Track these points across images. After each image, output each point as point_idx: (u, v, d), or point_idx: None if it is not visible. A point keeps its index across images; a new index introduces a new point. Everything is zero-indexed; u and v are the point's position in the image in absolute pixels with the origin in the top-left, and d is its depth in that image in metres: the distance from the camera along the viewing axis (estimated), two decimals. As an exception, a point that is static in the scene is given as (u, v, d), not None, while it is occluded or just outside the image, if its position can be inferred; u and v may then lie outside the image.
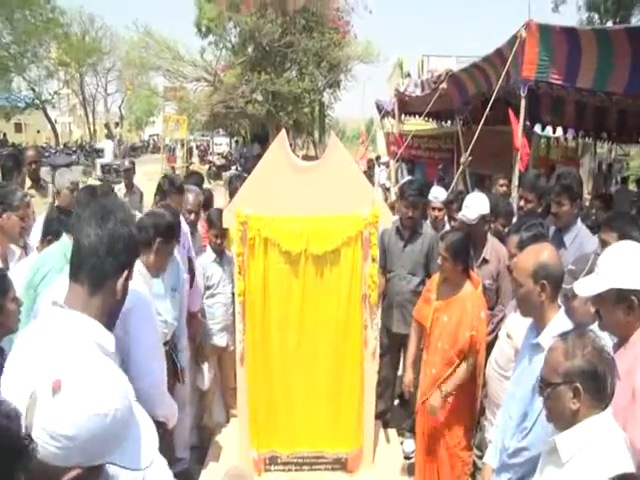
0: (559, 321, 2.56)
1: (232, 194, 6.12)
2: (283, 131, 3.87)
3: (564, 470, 1.92)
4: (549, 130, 10.97)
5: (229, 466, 3.85)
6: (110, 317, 1.88)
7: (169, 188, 4.57)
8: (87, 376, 1.35)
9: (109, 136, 28.92)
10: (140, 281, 2.68)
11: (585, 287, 2.33)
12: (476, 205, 4.40)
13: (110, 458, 1.35)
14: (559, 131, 10.74)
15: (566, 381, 1.95)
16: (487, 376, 3.41)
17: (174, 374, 3.58)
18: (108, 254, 1.82)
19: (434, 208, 5.55)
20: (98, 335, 1.76)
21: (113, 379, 1.39)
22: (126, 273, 1.89)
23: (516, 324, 3.13)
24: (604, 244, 3.42)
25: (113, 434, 1.33)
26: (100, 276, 1.82)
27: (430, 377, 3.72)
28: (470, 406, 3.62)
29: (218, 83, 23.30)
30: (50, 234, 3.54)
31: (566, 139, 11.88)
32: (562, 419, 2.01)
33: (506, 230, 4.38)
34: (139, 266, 3.12)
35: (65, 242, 3.21)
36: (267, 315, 3.68)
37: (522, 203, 4.54)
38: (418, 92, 9.93)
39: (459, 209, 4.68)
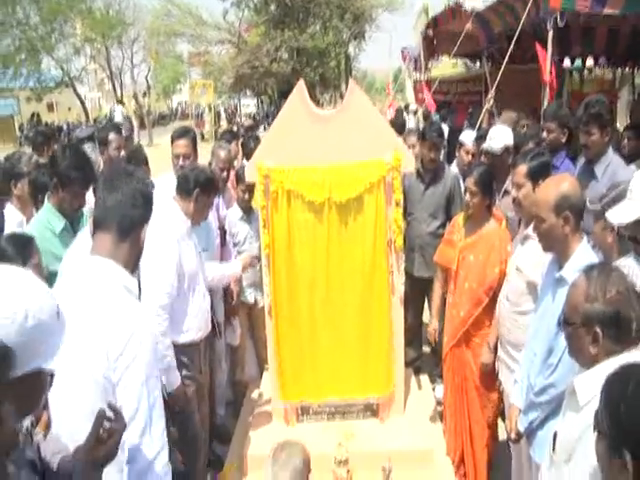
0: (582, 252, 2.48)
1: (247, 156, 6.10)
2: (301, 81, 3.79)
3: (581, 414, 1.83)
4: (580, 62, 10.56)
5: (263, 419, 3.97)
6: (134, 264, 2.11)
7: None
8: None
9: (120, 102, 30.10)
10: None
11: (620, 214, 2.18)
12: (501, 136, 4.38)
13: (36, 364, 1.33)
14: (590, 62, 10.34)
15: (585, 323, 1.86)
16: (498, 315, 3.33)
17: (212, 328, 3.74)
18: (134, 206, 2.05)
19: (467, 152, 5.40)
20: (125, 279, 1.98)
21: (25, 284, 1.37)
22: (146, 226, 2.12)
23: (525, 257, 3.07)
24: None
25: (32, 337, 1.31)
26: (129, 225, 2.03)
27: (458, 318, 3.68)
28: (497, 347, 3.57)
29: (242, 44, 23.17)
30: (37, 187, 3.57)
31: (603, 70, 11.42)
32: (582, 360, 1.95)
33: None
34: (182, 216, 3.36)
35: (45, 212, 3.23)
36: (293, 266, 3.67)
37: (545, 134, 4.39)
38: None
39: None
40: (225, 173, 4.88)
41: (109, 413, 1.61)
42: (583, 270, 1.97)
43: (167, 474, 1.94)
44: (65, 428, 1.76)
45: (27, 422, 1.53)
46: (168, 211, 3.33)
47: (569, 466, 1.86)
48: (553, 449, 1.99)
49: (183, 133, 4.48)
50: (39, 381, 1.38)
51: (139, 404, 1.82)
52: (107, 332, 1.83)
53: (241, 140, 6.63)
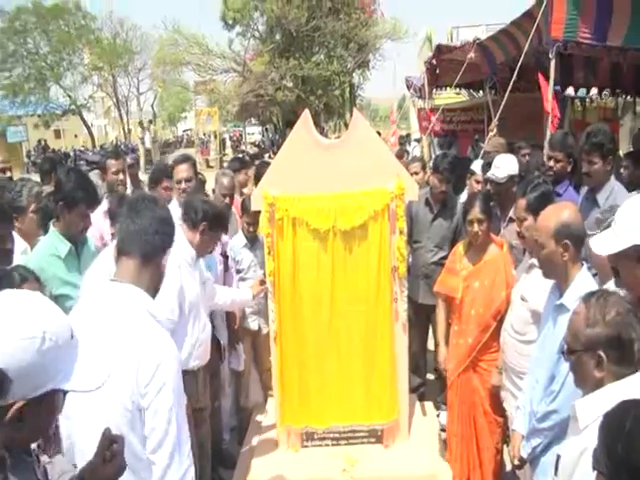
0: (582, 279, 2.53)
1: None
2: (306, 111, 3.86)
3: (581, 438, 1.81)
4: (584, 91, 10.67)
5: (268, 445, 3.95)
6: (156, 289, 2.17)
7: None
8: (7, 306, 1.37)
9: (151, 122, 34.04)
10: None
11: (602, 245, 2.17)
12: (506, 165, 4.41)
13: (53, 384, 1.36)
14: (594, 91, 10.47)
15: (588, 348, 1.86)
16: (502, 344, 3.34)
17: (216, 349, 3.82)
18: (156, 233, 2.12)
19: (477, 181, 5.37)
20: (148, 304, 2.05)
21: (41, 306, 1.41)
22: (168, 252, 2.20)
23: (529, 286, 3.10)
24: None
25: (49, 358, 1.34)
26: (151, 251, 2.12)
27: (465, 346, 3.69)
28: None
29: (247, 73, 23.39)
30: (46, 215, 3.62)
31: (603, 98, 11.52)
32: (588, 387, 1.94)
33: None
34: (186, 244, 3.41)
35: (50, 237, 3.27)
36: (298, 293, 3.70)
37: (551, 163, 4.43)
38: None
39: None
40: (228, 199, 4.97)
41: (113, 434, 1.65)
42: (582, 298, 1.98)
43: None
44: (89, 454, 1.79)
45: (34, 445, 1.55)
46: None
47: None
48: (556, 473, 1.99)
49: (184, 159, 4.72)
50: (53, 402, 1.41)
51: (169, 427, 1.92)
52: (137, 359, 1.91)
53: (254, 168, 6.72)
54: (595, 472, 1.49)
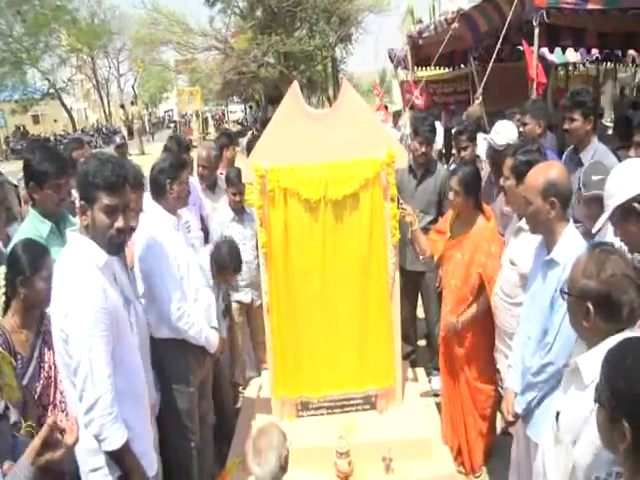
0: (570, 235, 2.58)
1: None
2: (295, 83, 3.85)
3: (587, 392, 1.85)
4: (568, 56, 10.63)
5: (263, 416, 3.98)
6: (100, 239, 2.34)
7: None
8: None
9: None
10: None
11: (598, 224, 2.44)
12: (506, 132, 4.42)
13: None
14: (579, 55, 10.46)
15: (579, 297, 1.95)
16: (494, 307, 3.39)
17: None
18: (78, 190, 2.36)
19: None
20: (92, 254, 2.33)
21: None
22: (96, 206, 2.31)
23: (518, 249, 3.14)
24: (638, 146, 3.65)
25: None
26: (81, 205, 2.34)
27: (445, 314, 3.77)
28: (487, 340, 3.59)
29: (229, 50, 23.08)
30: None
31: (585, 65, 11.53)
32: (578, 330, 2.03)
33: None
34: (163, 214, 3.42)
35: (31, 219, 3.21)
36: (290, 264, 3.71)
37: (521, 128, 4.55)
38: (432, 30, 9.64)
39: (469, 139, 4.79)
40: (207, 171, 5.02)
41: (63, 424, 1.81)
42: (588, 246, 2.07)
43: (110, 416, 2.27)
44: None
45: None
46: (154, 216, 3.33)
47: (578, 446, 1.89)
48: (557, 427, 2.04)
49: None
50: None
51: (82, 355, 2.23)
52: (65, 294, 2.27)
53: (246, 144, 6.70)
54: (596, 404, 1.55)
